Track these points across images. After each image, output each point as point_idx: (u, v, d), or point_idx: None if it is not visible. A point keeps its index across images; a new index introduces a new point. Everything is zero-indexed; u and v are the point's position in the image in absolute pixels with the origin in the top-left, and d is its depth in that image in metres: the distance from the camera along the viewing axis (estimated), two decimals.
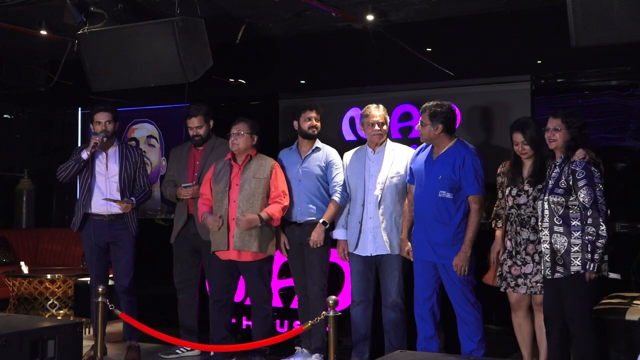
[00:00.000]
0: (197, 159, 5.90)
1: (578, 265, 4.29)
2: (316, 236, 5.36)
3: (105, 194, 5.71)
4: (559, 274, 4.37)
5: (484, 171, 4.94)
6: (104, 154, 5.77)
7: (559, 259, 4.36)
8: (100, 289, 4.95)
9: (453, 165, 4.88)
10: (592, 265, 4.24)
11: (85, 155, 5.65)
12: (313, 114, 5.53)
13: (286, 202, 5.42)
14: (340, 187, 5.42)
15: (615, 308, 4.74)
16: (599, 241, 4.23)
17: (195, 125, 5.83)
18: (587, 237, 4.27)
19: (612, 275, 4.58)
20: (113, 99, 6.97)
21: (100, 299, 4.94)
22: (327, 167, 5.49)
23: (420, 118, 5.00)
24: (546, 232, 4.44)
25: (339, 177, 5.45)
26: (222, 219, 5.36)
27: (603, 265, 4.33)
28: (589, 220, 4.27)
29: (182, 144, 6.16)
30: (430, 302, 5.00)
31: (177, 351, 5.90)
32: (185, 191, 5.77)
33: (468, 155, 4.90)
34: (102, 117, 5.71)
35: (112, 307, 5.00)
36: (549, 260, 4.42)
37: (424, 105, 5.01)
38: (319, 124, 5.57)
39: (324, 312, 4.22)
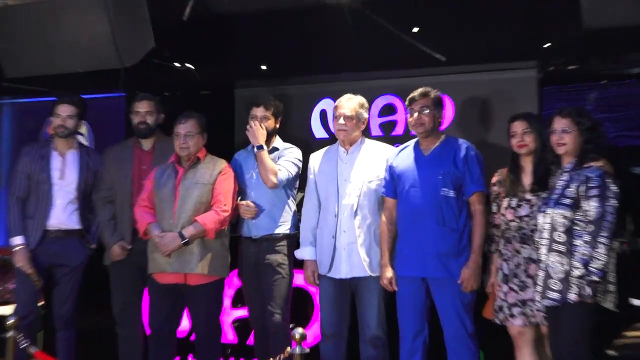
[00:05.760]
0: (145, 162, 5.39)
1: (576, 292, 3.97)
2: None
3: (62, 204, 5.36)
4: (550, 301, 4.06)
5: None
6: (60, 158, 5.41)
7: (554, 283, 4.05)
8: (11, 321, 4.59)
9: (454, 158, 4.67)
10: (587, 290, 3.94)
11: None
12: (259, 112, 5.19)
13: (226, 210, 4.92)
14: (285, 169, 5.05)
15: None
16: (592, 265, 3.92)
17: (145, 109, 5.41)
18: (580, 257, 3.96)
19: (635, 302, 4.55)
20: (30, 86, 6.77)
21: (11, 334, 4.58)
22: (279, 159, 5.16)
23: (421, 104, 4.74)
24: (544, 250, 4.14)
25: (287, 165, 5.08)
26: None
27: (609, 296, 4.01)
28: (587, 238, 3.96)
29: (120, 144, 5.62)
30: (422, 337, 4.63)
31: None
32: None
33: (470, 147, 4.69)
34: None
35: (26, 343, 4.62)
36: (541, 283, 4.13)
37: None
38: (271, 122, 5.20)
39: (288, 348, 3.94)
